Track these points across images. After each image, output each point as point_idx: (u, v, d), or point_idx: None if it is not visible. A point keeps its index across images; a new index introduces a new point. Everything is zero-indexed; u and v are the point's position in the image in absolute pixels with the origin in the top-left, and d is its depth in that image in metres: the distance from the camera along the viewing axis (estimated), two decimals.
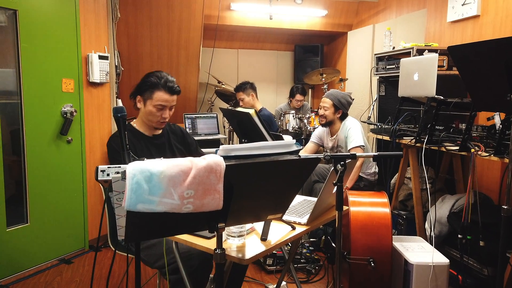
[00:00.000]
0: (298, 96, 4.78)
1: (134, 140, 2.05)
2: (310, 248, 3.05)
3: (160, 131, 2.16)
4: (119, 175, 1.22)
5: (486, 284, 2.30)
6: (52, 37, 3.00)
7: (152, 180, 1.00)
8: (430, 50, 3.00)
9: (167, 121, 2.09)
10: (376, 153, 1.65)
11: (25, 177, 2.90)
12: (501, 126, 2.14)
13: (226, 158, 1.10)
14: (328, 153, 1.53)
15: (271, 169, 1.19)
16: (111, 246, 2.09)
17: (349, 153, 1.55)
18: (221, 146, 1.12)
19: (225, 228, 1.39)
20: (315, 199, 1.91)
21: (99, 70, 3.31)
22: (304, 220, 1.73)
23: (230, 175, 1.09)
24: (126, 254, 1.82)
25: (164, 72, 2.05)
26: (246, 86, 3.89)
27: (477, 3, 3.18)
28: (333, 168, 1.53)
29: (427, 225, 2.73)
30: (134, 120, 2.14)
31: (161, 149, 2.14)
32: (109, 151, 2.01)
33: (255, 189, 1.21)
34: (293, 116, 4.29)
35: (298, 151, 1.26)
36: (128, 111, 1.54)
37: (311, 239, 3.22)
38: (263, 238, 1.53)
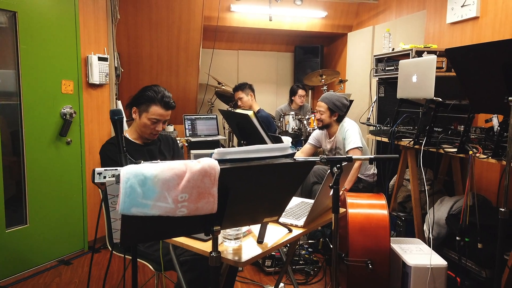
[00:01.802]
0: (301, 91, 4.78)
1: (127, 149, 2.08)
2: (309, 249, 3.05)
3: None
4: (113, 179, 1.22)
5: (484, 286, 2.30)
6: (52, 39, 3.01)
7: (146, 183, 1.00)
8: (429, 52, 3.00)
9: (159, 133, 2.14)
10: (372, 156, 1.65)
11: (25, 178, 2.90)
12: (499, 128, 2.14)
13: (221, 161, 1.10)
14: (324, 156, 1.54)
15: (266, 172, 1.20)
16: (109, 247, 2.10)
17: (345, 156, 1.56)
18: (215, 150, 1.12)
19: (222, 230, 1.39)
20: (312, 201, 1.91)
21: (98, 71, 3.31)
22: (301, 222, 1.73)
23: (225, 178, 1.09)
24: (123, 255, 1.82)
25: (161, 87, 2.09)
26: (245, 86, 3.92)
27: (476, 4, 3.17)
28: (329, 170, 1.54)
29: (425, 227, 2.73)
30: (127, 129, 2.18)
31: (152, 153, 2.18)
32: (102, 160, 2.04)
33: (250, 192, 1.21)
34: (292, 117, 4.29)
35: (293, 154, 1.26)
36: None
37: (309, 241, 3.22)
38: (260, 240, 1.53)
